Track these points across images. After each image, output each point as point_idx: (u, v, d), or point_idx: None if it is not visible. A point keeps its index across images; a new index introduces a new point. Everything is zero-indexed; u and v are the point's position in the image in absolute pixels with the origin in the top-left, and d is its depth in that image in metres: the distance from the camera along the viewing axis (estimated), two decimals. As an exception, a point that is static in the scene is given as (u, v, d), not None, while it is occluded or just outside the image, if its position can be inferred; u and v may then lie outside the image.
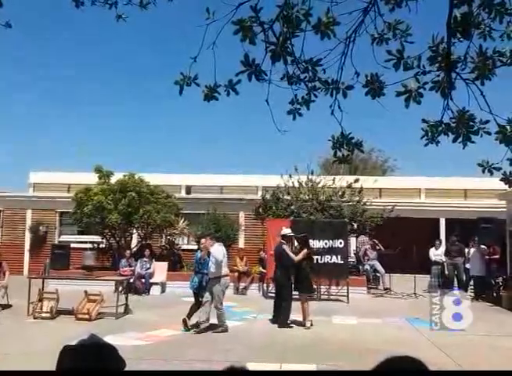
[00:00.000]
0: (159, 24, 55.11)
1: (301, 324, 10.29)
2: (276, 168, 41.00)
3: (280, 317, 10.30)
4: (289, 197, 16.28)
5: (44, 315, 10.79)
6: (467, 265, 15.31)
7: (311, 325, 10.20)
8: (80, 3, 4.55)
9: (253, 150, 53.97)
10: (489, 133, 3.50)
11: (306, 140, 46.05)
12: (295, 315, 10.51)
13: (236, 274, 15.39)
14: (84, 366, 1.75)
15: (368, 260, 16.59)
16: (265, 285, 15.21)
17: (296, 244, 11.56)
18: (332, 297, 14.28)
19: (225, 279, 9.99)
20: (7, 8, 4.21)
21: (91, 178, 17.32)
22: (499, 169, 3.48)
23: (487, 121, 3.47)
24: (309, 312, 10.41)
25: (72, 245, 17.57)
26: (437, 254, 16.29)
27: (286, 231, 11.21)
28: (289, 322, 10.30)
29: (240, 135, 54.60)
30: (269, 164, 47.50)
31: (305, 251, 10.60)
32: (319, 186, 16.29)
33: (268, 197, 16.77)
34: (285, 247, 10.73)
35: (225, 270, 9.94)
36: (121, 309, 11.21)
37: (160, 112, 55.00)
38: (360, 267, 16.80)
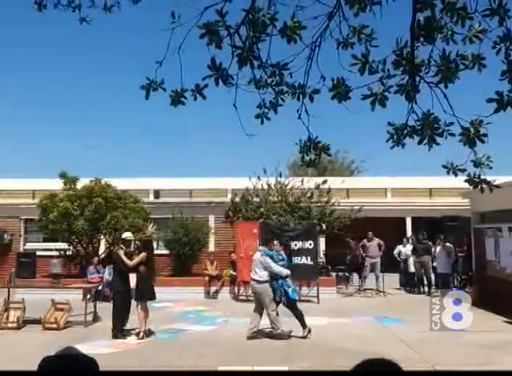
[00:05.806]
0: (123, 27, 54.41)
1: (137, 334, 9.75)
2: (245, 171, 41.05)
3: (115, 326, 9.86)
4: (258, 200, 16.31)
5: (10, 325, 10.53)
6: (435, 264, 15.58)
7: (143, 338, 9.55)
8: (42, 6, 4.46)
9: (223, 153, 53.91)
10: (453, 135, 3.56)
11: (274, 142, 46.23)
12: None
13: (207, 278, 15.37)
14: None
15: (367, 256, 16.04)
16: (236, 288, 15.20)
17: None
18: (302, 298, 14.33)
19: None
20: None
21: (56, 185, 17.00)
22: (463, 171, 3.55)
23: (451, 123, 3.54)
24: (145, 323, 9.77)
25: (38, 253, 17.18)
26: (404, 251, 16.60)
27: (126, 234, 10.89)
28: (124, 329, 9.93)
29: (211, 136, 54.38)
30: (238, 167, 47.49)
31: (143, 254, 10.16)
32: (288, 187, 16.38)
33: (237, 199, 16.76)
34: (120, 252, 10.34)
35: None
36: (90, 317, 11.03)
37: (126, 115, 54.39)
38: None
